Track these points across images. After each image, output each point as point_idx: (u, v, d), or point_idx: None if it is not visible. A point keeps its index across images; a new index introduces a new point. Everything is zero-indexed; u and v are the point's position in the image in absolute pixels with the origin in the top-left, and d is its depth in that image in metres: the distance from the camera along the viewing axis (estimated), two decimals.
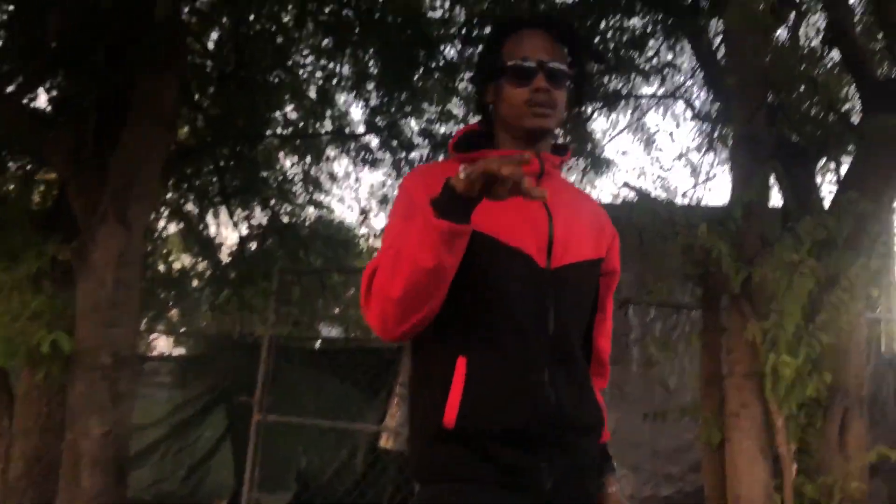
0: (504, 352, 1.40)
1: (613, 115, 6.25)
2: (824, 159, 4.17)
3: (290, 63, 8.05)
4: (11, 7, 4.23)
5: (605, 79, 5.79)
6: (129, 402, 3.66)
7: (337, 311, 11.69)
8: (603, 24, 4.89)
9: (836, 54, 3.78)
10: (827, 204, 3.83)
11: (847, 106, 4.11)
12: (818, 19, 4.09)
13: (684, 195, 4.82)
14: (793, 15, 3.98)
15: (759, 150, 3.67)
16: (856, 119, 3.82)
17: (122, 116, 4.33)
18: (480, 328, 1.41)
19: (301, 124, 8.44)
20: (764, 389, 3.46)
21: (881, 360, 5.73)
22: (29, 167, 4.67)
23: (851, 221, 3.48)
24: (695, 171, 6.08)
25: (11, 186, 4.60)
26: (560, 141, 1.66)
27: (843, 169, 4.13)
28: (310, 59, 8.30)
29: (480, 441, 1.36)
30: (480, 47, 1.67)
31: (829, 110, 3.60)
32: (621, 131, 6.51)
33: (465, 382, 1.37)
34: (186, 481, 7.64)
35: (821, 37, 3.85)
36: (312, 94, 8.36)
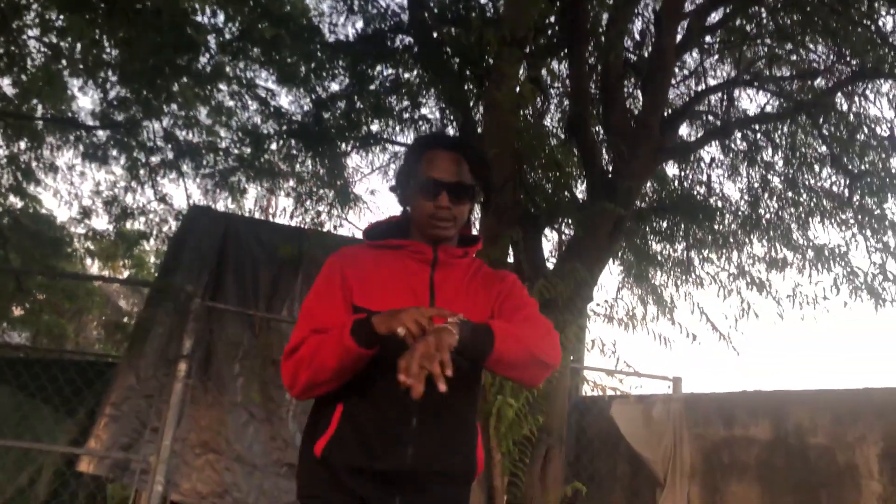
0: (374, 403, 1.70)
1: (370, 156, 6.52)
2: (549, 229, 4.81)
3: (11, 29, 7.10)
4: None
5: (365, 119, 6.05)
6: None
7: (20, 312, 10.32)
8: (379, 69, 5.14)
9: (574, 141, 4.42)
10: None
11: (577, 187, 4.82)
12: (563, 108, 4.76)
13: None
14: (539, 101, 4.57)
15: (505, 217, 4.14)
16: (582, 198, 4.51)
17: None
18: (359, 382, 1.70)
19: (16, 102, 7.43)
20: (489, 427, 3.85)
21: (573, 403, 6.63)
22: None
23: (572, 286, 4.08)
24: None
25: None
26: (474, 232, 2.05)
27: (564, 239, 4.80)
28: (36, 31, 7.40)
29: (338, 472, 1.67)
30: (403, 159, 2.03)
31: (563, 188, 4.20)
32: (373, 171, 6.79)
33: (338, 423, 1.70)
34: None
35: (563, 124, 4.49)
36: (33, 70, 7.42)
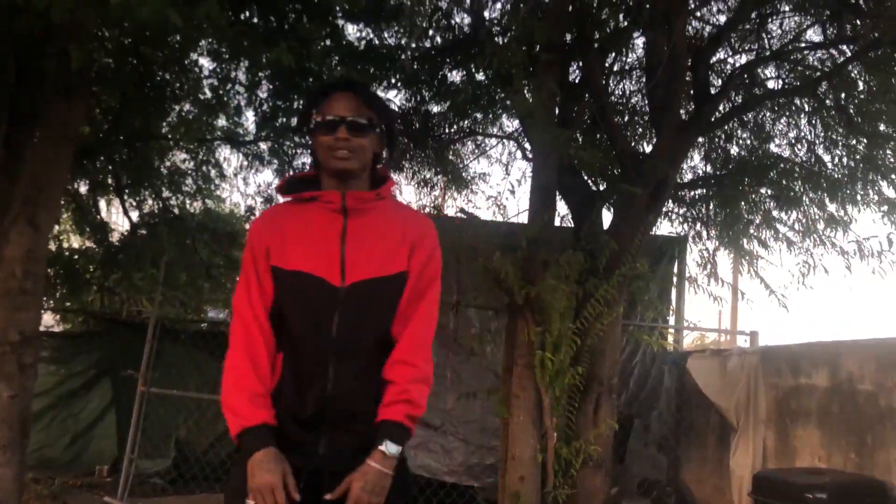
0: (295, 352, 1.84)
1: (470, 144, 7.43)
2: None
3: (186, 62, 8.62)
4: None
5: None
6: (33, 372, 4.35)
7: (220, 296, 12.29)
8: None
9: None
10: None
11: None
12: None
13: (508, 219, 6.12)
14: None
15: (547, 196, 4.85)
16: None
17: (29, 127, 5.01)
18: (286, 334, 1.86)
19: (194, 125, 9.01)
20: (536, 378, 4.62)
21: (666, 360, 7.11)
22: None
23: (606, 255, 4.72)
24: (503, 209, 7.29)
25: None
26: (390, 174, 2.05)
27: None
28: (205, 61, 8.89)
29: (280, 421, 1.81)
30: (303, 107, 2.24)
31: (600, 174, 4.82)
32: (477, 157, 7.66)
33: (281, 375, 1.85)
34: (70, 448, 8.25)
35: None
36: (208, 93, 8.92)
